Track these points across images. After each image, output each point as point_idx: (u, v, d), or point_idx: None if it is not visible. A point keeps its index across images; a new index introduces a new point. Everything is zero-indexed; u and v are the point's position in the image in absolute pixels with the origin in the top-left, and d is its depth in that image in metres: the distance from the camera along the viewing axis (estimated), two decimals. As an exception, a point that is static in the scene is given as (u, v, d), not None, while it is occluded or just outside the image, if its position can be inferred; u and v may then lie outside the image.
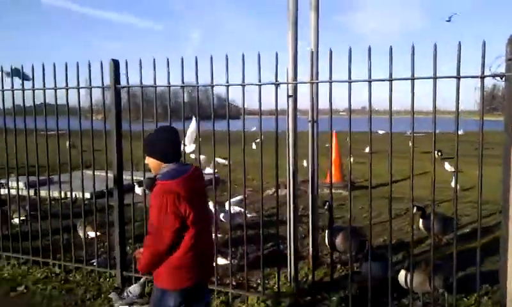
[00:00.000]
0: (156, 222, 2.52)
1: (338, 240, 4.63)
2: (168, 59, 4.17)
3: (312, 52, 4.05)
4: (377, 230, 6.02)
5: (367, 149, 17.39)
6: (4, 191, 6.05)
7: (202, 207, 2.71)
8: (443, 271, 3.83)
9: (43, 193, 6.49)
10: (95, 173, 4.62)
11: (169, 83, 4.26)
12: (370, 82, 3.53)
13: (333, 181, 9.69)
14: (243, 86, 3.97)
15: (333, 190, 8.62)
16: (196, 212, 2.56)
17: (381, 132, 26.04)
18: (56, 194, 5.38)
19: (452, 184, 9.50)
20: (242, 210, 4.63)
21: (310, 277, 4.36)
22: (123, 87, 4.56)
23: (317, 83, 4.43)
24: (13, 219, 5.72)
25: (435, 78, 3.33)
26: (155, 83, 4.34)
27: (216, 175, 4.37)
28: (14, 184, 6.01)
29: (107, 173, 4.59)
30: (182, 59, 4.06)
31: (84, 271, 4.78)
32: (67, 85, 4.68)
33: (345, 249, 4.59)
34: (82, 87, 4.67)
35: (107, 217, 4.61)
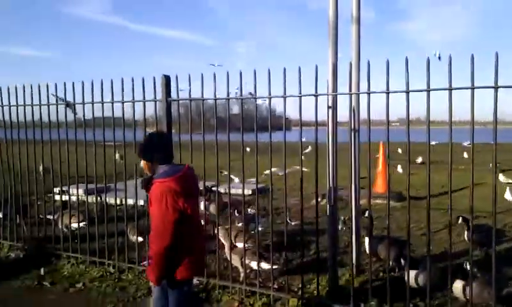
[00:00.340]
0: (158, 217, 2.83)
1: (378, 248, 4.69)
2: (214, 74, 4.43)
3: (351, 64, 4.17)
4: (424, 241, 5.98)
5: (419, 160, 17.07)
6: (65, 197, 6.57)
7: (195, 203, 3.05)
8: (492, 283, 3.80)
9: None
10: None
11: (215, 96, 4.54)
12: (428, 91, 3.59)
13: (380, 191, 9.74)
14: (284, 98, 4.18)
15: (380, 201, 8.65)
16: (191, 207, 2.88)
17: (433, 143, 25.32)
18: (112, 200, 5.77)
19: (506, 196, 9.20)
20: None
21: (356, 282, 4.44)
22: (174, 100, 4.89)
23: (357, 94, 4.57)
24: (72, 223, 6.18)
25: (496, 87, 3.33)
26: (202, 96, 4.64)
27: (263, 185, 4.57)
28: (74, 191, 6.50)
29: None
30: (228, 73, 4.33)
31: (135, 271, 5.12)
32: (123, 99, 5.08)
33: (385, 257, 4.64)
34: (136, 101, 5.04)
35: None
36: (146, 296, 4.55)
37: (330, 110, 4.33)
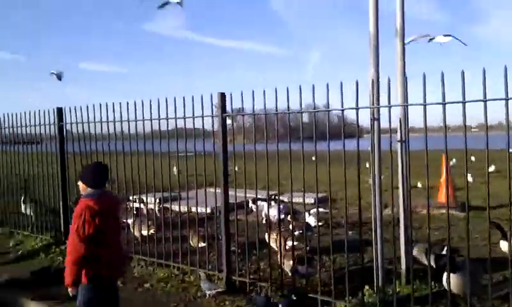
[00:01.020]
0: (73, 230, 3.36)
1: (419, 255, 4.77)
2: (276, 89, 4.70)
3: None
4: (483, 252, 5.90)
5: (492, 168, 16.32)
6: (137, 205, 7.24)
7: (114, 222, 3.68)
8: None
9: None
10: (217, 191, 5.40)
11: (276, 110, 4.85)
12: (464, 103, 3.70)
13: (443, 201, 9.51)
14: (328, 111, 4.44)
15: (444, 211, 8.48)
16: (107, 225, 3.48)
17: None
18: (181, 208, 6.24)
19: None
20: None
21: (404, 290, 4.55)
22: (228, 115, 5.31)
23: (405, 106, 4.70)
24: (143, 230, 6.75)
25: None
26: (253, 111, 5.03)
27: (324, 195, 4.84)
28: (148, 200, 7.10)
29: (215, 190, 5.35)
30: (287, 88, 4.62)
31: (197, 273, 5.55)
32: (185, 115, 5.58)
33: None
34: (196, 117, 5.50)
35: (216, 229, 5.38)
36: (206, 296, 4.97)
37: (375, 122, 4.53)
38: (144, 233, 6.59)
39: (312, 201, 8.70)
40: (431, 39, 5.93)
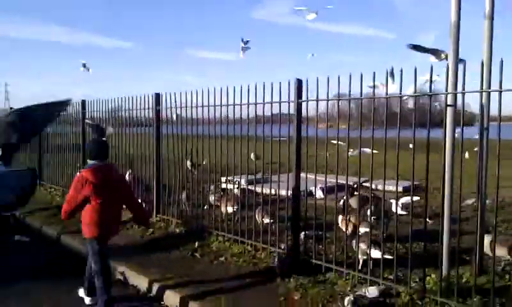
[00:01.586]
0: (70, 191, 4.45)
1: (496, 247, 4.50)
2: (361, 74, 4.68)
3: (482, 62, 4.15)
4: None
5: None
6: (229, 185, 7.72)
7: (112, 189, 4.51)
8: None
9: (258, 189, 8.04)
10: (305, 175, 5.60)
11: (349, 96, 4.93)
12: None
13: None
14: (386, 98, 4.42)
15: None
16: (100, 192, 4.39)
17: None
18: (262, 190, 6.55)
19: None
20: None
21: (472, 281, 4.37)
22: (303, 101, 5.47)
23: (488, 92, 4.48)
24: (228, 206, 7.15)
25: None
26: (327, 97, 5.13)
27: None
28: (237, 181, 7.54)
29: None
30: (374, 73, 4.69)
31: (268, 251, 5.82)
32: (264, 100, 5.85)
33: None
34: (273, 102, 5.74)
35: (287, 210, 5.61)
36: (268, 269, 5.21)
37: (449, 109, 4.39)
38: (229, 210, 6.98)
39: (401, 189, 8.48)
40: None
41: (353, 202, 6.90)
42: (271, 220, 6.14)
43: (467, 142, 4.45)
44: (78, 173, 4.51)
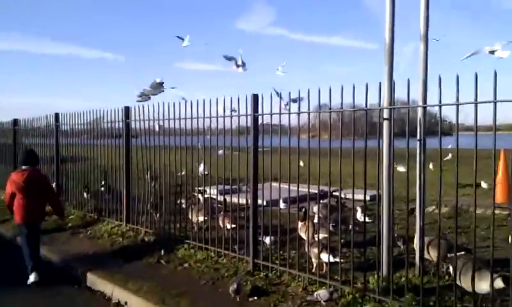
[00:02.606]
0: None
1: (429, 249, 4.93)
2: (330, 87, 5.17)
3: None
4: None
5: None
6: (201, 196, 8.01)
7: (34, 188, 6.12)
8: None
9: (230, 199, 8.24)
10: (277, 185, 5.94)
11: (298, 110, 5.32)
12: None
13: (498, 201, 9.21)
14: (382, 109, 4.78)
15: (498, 211, 8.27)
16: (22, 189, 6.05)
17: None
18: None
19: None
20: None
21: (413, 281, 4.75)
22: (260, 115, 5.84)
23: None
24: (198, 216, 7.41)
25: None
26: (289, 111, 5.50)
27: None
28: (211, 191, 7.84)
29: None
30: (367, 84, 4.85)
31: (230, 256, 6.15)
32: (224, 114, 6.20)
33: (433, 258, 4.87)
34: (229, 116, 6.10)
35: (246, 217, 5.94)
36: (232, 276, 5.53)
37: (386, 123, 4.81)
38: (200, 219, 7.24)
39: (368, 198, 8.85)
40: (491, 52, 5.64)
41: (315, 210, 7.26)
42: (232, 226, 6.47)
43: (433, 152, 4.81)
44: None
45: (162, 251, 6.65)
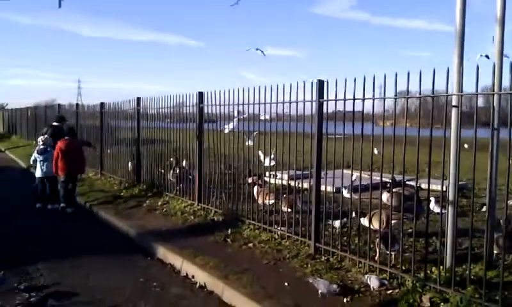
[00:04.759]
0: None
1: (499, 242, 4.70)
2: (374, 76, 5.03)
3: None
4: None
5: None
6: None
7: (75, 150, 9.48)
8: None
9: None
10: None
11: (363, 96, 5.29)
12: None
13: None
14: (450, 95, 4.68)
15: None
16: (64, 152, 9.17)
17: None
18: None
19: None
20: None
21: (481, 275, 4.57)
22: (325, 100, 5.88)
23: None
24: (265, 199, 7.63)
25: None
26: (354, 96, 5.42)
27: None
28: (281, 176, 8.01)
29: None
30: (434, 70, 4.63)
31: (292, 239, 6.30)
32: (290, 99, 6.31)
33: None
34: (294, 102, 6.18)
35: (308, 200, 6.04)
36: (294, 258, 5.68)
37: (454, 110, 4.64)
38: (266, 202, 7.47)
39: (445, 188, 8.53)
40: None
41: (385, 199, 7.12)
42: (289, 210, 6.61)
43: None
44: None
45: (229, 230, 6.95)
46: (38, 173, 9.62)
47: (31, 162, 10.11)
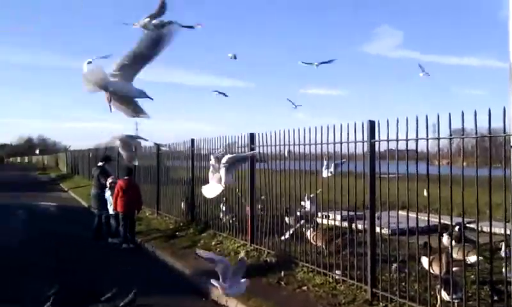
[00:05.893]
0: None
1: None
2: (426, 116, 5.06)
3: None
4: None
5: None
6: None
7: (132, 191, 10.00)
8: None
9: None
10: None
11: (416, 137, 5.18)
12: None
13: None
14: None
15: None
16: (124, 190, 9.72)
17: None
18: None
19: None
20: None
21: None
22: (376, 141, 5.80)
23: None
24: (318, 242, 7.52)
25: None
26: (407, 137, 5.35)
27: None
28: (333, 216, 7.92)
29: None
30: (489, 110, 4.68)
31: (348, 283, 6.13)
32: (334, 140, 6.28)
33: None
34: (341, 142, 6.14)
35: (363, 243, 5.89)
36: (350, 304, 5.52)
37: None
38: (319, 244, 7.37)
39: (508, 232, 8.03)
40: None
41: (446, 241, 6.80)
42: (343, 252, 6.45)
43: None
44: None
45: (282, 272, 6.88)
46: (108, 210, 10.42)
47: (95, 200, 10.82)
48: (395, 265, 5.77)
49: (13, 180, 31.62)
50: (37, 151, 72.84)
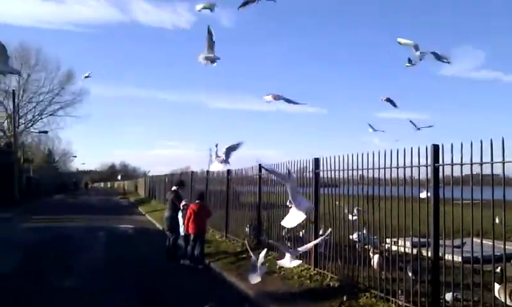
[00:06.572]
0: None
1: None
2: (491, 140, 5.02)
3: None
4: None
5: None
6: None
7: (199, 213, 10.34)
8: None
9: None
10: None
11: (491, 160, 5.08)
12: None
13: None
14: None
15: None
16: (196, 213, 10.29)
17: None
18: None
19: None
20: None
21: None
22: (440, 165, 5.73)
23: None
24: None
25: None
26: (471, 161, 5.27)
27: None
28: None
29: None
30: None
31: (412, 310, 6.01)
32: (391, 164, 6.26)
33: None
34: (404, 167, 6.11)
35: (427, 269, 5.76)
36: None
37: None
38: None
39: None
40: None
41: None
42: (413, 277, 6.31)
43: None
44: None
45: (345, 297, 6.87)
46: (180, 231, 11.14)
47: (168, 222, 11.42)
48: (449, 294, 5.58)
49: (98, 204, 34.39)
50: (119, 177, 77.58)
